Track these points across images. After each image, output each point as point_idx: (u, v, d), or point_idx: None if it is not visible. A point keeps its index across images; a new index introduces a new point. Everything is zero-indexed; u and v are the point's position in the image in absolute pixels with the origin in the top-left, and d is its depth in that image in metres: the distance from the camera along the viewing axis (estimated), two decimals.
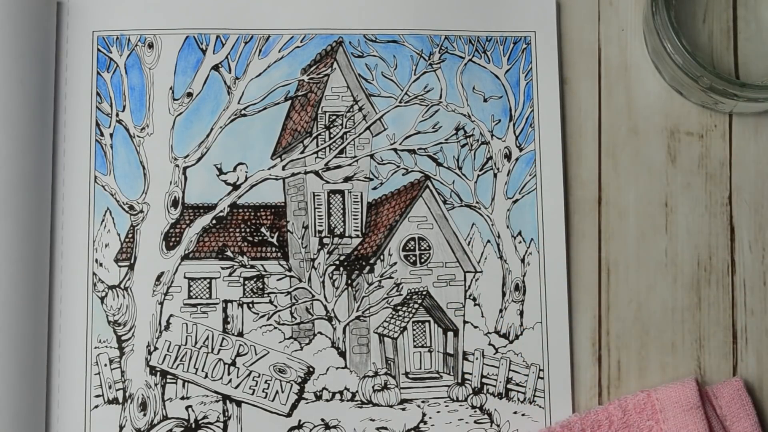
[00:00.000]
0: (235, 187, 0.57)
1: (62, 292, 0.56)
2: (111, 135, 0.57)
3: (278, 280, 0.57)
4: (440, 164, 0.59)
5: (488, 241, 0.58)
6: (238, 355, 0.56)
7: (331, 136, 0.58)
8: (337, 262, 0.58)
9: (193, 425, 0.55)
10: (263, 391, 0.56)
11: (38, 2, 0.56)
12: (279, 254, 0.57)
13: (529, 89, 0.59)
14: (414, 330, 0.57)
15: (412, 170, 0.59)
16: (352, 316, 0.57)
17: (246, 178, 0.57)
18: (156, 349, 0.56)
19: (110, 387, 0.55)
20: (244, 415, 0.55)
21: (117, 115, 0.58)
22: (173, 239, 0.57)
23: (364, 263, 0.58)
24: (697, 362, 0.58)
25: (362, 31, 0.59)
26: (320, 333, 0.57)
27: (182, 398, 0.55)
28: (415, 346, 0.57)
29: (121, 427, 0.55)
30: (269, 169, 0.58)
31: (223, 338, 0.56)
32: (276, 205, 0.58)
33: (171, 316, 0.56)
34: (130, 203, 0.57)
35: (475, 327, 0.57)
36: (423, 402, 0.57)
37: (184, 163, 0.57)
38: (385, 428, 0.56)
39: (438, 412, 0.56)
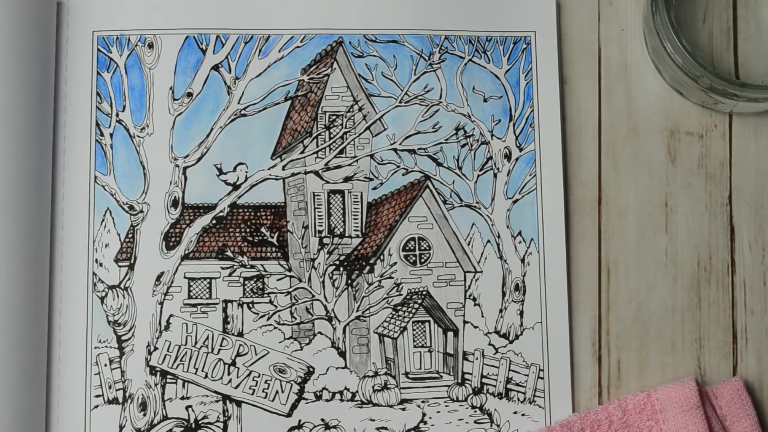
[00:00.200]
0: (235, 187, 0.57)
1: (62, 292, 0.56)
2: (111, 135, 0.57)
3: (278, 280, 0.57)
4: (440, 164, 0.59)
5: (488, 241, 0.58)
6: (238, 355, 0.56)
7: (331, 136, 0.58)
8: (337, 262, 0.58)
9: (193, 425, 0.55)
10: (263, 391, 0.56)
11: (38, 2, 0.56)
12: (279, 254, 0.57)
13: (529, 89, 0.59)
14: (414, 330, 0.57)
15: (412, 170, 0.59)
16: (352, 316, 0.57)
17: (246, 178, 0.57)
18: (156, 349, 0.56)
19: (110, 387, 0.55)
20: (244, 415, 0.55)
21: (117, 115, 0.58)
22: (173, 239, 0.57)
23: (364, 263, 0.58)
24: (697, 362, 0.58)
25: (362, 31, 0.59)
26: (320, 333, 0.57)
27: (182, 398, 0.55)
28: (415, 346, 0.57)
29: (121, 427, 0.55)
30: (269, 169, 0.58)
31: (223, 338, 0.56)
32: (276, 205, 0.58)
33: (171, 316, 0.56)
34: (130, 203, 0.57)
35: (475, 327, 0.57)
36: (423, 402, 0.57)
37: (184, 163, 0.57)
38: (385, 428, 0.56)
39: (438, 412, 0.56)
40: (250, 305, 0.57)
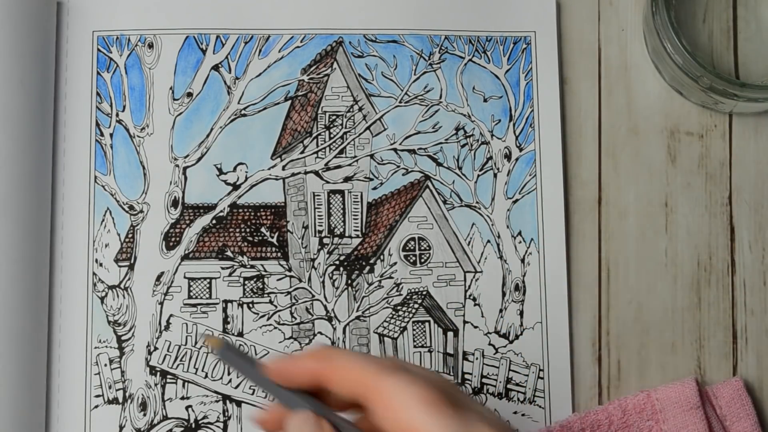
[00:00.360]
0: (235, 187, 0.57)
1: (62, 292, 0.56)
2: (111, 135, 0.57)
3: (278, 280, 0.57)
4: (440, 164, 0.59)
5: (488, 241, 0.58)
6: None
7: (331, 136, 0.58)
8: (337, 262, 0.58)
9: (193, 425, 0.55)
10: (263, 391, 0.56)
11: (38, 2, 0.56)
12: (279, 254, 0.57)
13: (529, 89, 0.59)
14: (414, 330, 0.57)
15: (412, 170, 0.59)
16: (352, 316, 0.57)
17: (246, 178, 0.57)
18: (156, 349, 0.56)
19: (110, 387, 0.55)
20: (244, 415, 0.55)
21: (117, 115, 0.58)
22: (173, 239, 0.57)
23: (364, 263, 0.58)
24: (697, 362, 0.58)
25: (362, 31, 0.59)
26: (320, 333, 0.57)
27: (182, 398, 0.55)
28: (415, 346, 0.57)
29: (121, 427, 0.55)
30: (269, 169, 0.58)
31: (224, 338, 0.56)
32: (276, 205, 0.57)
33: (171, 316, 0.56)
34: (130, 203, 0.57)
35: (475, 327, 0.57)
36: None
37: (184, 163, 0.57)
38: None
39: None
40: (250, 305, 0.57)
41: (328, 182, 0.58)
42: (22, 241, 0.54)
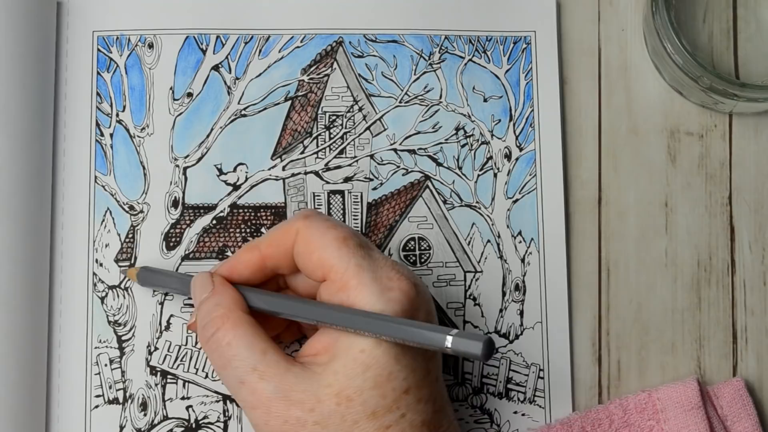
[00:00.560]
0: (236, 187, 0.57)
1: (62, 292, 0.56)
2: (111, 135, 0.57)
3: None
4: (440, 164, 0.59)
5: (488, 241, 0.58)
6: None
7: (331, 136, 0.58)
8: None
9: (194, 425, 0.55)
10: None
11: (38, 2, 0.56)
12: None
13: (529, 89, 0.59)
14: None
15: (412, 170, 0.59)
16: None
17: (246, 179, 0.57)
18: (156, 349, 0.56)
19: (110, 387, 0.55)
20: (245, 415, 0.55)
21: (117, 115, 0.58)
22: (173, 239, 0.57)
23: None
24: (697, 362, 0.58)
25: (362, 31, 0.59)
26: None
27: (183, 398, 0.56)
28: None
29: (122, 427, 0.55)
30: (269, 169, 0.58)
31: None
32: (276, 206, 0.57)
33: (171, 316, 0.56)
34: (130, 203, 0.57)
35: (475, 327, 0.57)
36: None
37: (184, 164, 0.57)
38: None
39: None
40: None
41: (328, 182, 0.58)
42: (22, 241, 0.54)
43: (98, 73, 0.58)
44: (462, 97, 0.59)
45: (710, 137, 0.60)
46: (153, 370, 0.56)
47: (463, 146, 0.59)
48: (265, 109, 0.58)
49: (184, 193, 0.57)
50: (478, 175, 0.59)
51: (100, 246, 0.56)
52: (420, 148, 0.59)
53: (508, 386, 0.57)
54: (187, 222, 0.57)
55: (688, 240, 0.59)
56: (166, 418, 0.55)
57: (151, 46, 0.58)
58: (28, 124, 0.55)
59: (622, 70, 0.60)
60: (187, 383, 0.56)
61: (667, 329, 0.58)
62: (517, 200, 0.58)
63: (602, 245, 0.59)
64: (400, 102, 0.59)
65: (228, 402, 0.56)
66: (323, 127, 0.58)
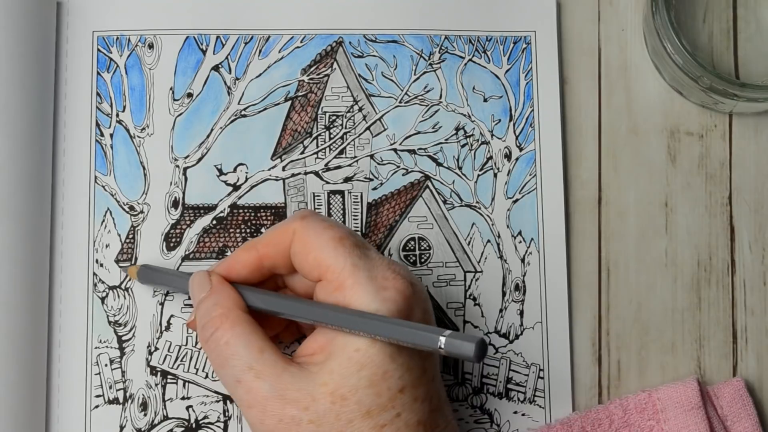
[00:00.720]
0: (236, 187, 0.57)
1: (62, 292, 0.56)
2: (111, 135, 0.57)
3: None
4: (440, 164, 0.59)
5: (488, 241, 0.58)
6: None
7: (331, 136, 0.58)
8: None
9: (194, 425, 0.55)
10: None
11: (38, 2, 0.56)
12: None
13: (529, 89, 0.59)
14: None
15: (412, 170, 0.59)
16: None
17: (246, 179, 0.57)
18: (156, 349, 0.56)
19: (111, 387, 0.55)
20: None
21: (117, 115, 0.58)
22: (173, 240, 0.57)
23: None
24: (697, 362, 0.58)
25: (362, 31, 0.59)
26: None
27: (183, 398, 0.56)
28: None
29: (122, 428, 0.55)
30: (269, 169, 0.58)
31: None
32: (276, 206, 0.57)
33: (172, 316, 0.56)
34: (130, 203, 0.57)
35: (475, 327, 0.57)
36: None
37: (184, 164, 0.57)
38: None
39: None
40: None
41: (328, 183, 0.58)
42: (22, 241, 0.54)
43: (98, 73, 0.58)
44: (462, 97, 0.59)
45: (710, 137, 0.60)
46: (153, 370, 0.56)
47: (463, 146, 0.59)
48: (265, 109, 0.58)
49: (184, 193, 0.57)
50: (478, 175, 0.59)
51: (101, 246, 0.56)
52: (420, 148, 0.59)
53: (508, 386, 0.57)
54: (187, 222, 0.57)
55: (688, 240, 0.59)
56: (166, 418, 0.55)
57: (151, 46, 0.58)
58: (28, 124, 0.55)
59: (622, 70, 0.60)
60: (187, 383, 0.56)
61: (667, 329, 0.58)
62: (517, 200, 0.58)
63: (602, 245, 0.59)
64: (400, 102, 0.59)
65: (228, 402, 0.56)
66: (323, 127, 0.58)
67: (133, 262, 0.56)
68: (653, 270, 0.59)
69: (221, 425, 0.55)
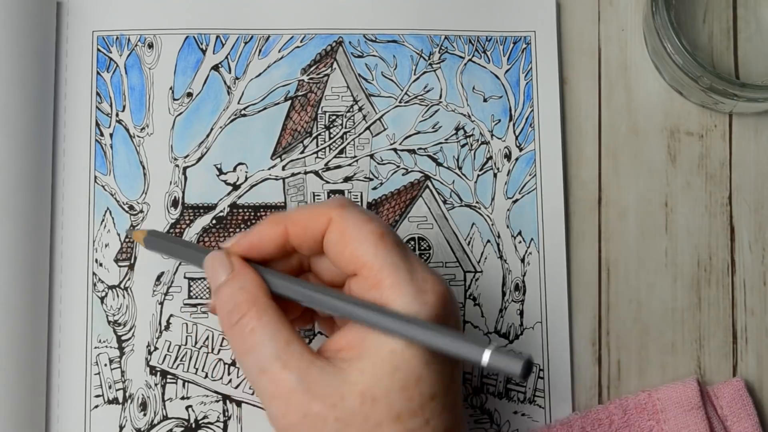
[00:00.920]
0: (235, 187, 0.57)
1: (62, 292, 0.56)
2: (111, 135, 0.57)
3: None
4: (440, 164, 0.59)
5: (488, 241, 0.58)
6: None
7: (331, 136, 0.58)
8: None
9: (194, 425, 0.55)
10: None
11: (38, 2, 0.56)
12: None
13: (529, 89, 0.59)
14: None
15: (412, 170, 0.59)
16: None
17: (246, 178, 0.57)
18: (156, 349, 0.56)
19: (110, 387, 0.55)
20: (244, 415, 0.56)
21: (117, 115, 0.58)
22: None
23: None
24: (697, 362, 0.58)
25: (362, 31, 0.59)
26: (320, 333, 0.57)
27: (182, 398, 0.55)
28: None
29: (121, 427, 0.55)
30: (269, 169, 0.58)
31: (223, 338, 0.56)
32: (276, 206, 0.57)
33: (171, 316, 0.56)
34: (130, 203, 0.57)
35: (475, 327, 0.57)
36: None
37: (184, 163, 0.57)
38: None
39: None
40: None
41: (328, 182, 0.58)
42: (22, 241, 0.54)
43: (98, 73, 0.58)
44: (462, 97, 0.59)
45: (710, 137, 0.60)
46: (153, 370, 0.56)
47: (463, 146, 0.59)
48: (264, 108, 0.58)
49: (183, 192, 0.57)
50: (478, 175, 0.59)
51: (100, 246, 0.56)
52: (420, 148, 0.59)
53: (508, 386, 0.57)
54: (187, 222, 0.57)
55: (688, 240, 0.59)
56: (165, 418, 0.55)
57: (151, 46, 0.58)
58: (28, 124, 0.55)
59: (622, 70, 0.60)
60: (186, 383, 0.56)
61: (667, 329, 0.58)
62: (517, 200, 0.58)
63: (602, 245, 0.59)
64: (400, 102, 0.59)
65: (228, 402, 0.56)
66: (323, 126, 0.58)
67: (132, 262, 0.56)
68: (653, 270, 0.59)
69: (221, 425, 0.55)
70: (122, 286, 0.56)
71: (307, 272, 0.50)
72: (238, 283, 0.46)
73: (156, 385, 0.55)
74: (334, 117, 0.59)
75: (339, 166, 0.58)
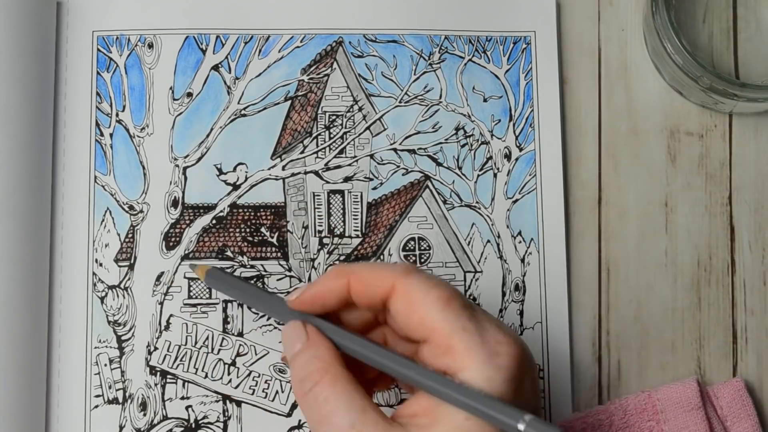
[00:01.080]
0: (235, 187, 0.57)
1: (62, 292, 0.56)
2: (111, 135, 0.57)
3: (278, 280, 0.57)
4: (440, 164, 0.59)
5: (488, 241, 0.58)
6: (238, 355, 0.56)
7: (331, 136, 0.58)
8: (338, 262, 0.57)
9: (193, 425, 0.55)
10: (263, 391, 0.56)
11: (38, 2, 0.56)
12: (279, 254, 0.57)
13: (529, 89, 0.59)
14: None
15: (412, 170, 0.59)
16: None
17: (246, 178, 0.57)
18: (156, 349, 0.56)
19: (110, 387, 0.55)
20: (244, 415, 0.56)
21: (117, 115, 0.58)
22: (173, 239, 0.57)
23: None
24: (697, 362, 0.58)
25: (362, 31, 0.59)
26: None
27: (182, 398, 0.55)
28: None
29: (121, 427, 0.55)
30: (269, 169, 0.58)
31: (223, 338, 0.56)
32: (276, 205, 0.58)
33: (171, 316, 0.56)
34: (130, 203, 0.57)
35: None
36: None
37: (184, 163, 0.57)
38: None
39: None
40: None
41: (328, 182, 0.58)
42: (22, 241, 0.54)
43: (98, 73, 0.58)
44: (462, 97, 0.59)
45: (710, 137, 0.60)
46: (153, 370, 0.56)
47: (463, 146, 0.59)
48: (264, 108, 0.58)
49: (183, 192, 0.57)
50: (478, 175, 0.59)
51: (100, 246, 0.56)
52: (420, 148, 0.59)
53: None
54: (187, 222, 0.57)
55: (688, 240, 0.59)
56: (165, 418, 0.55)
57: (150, 46, 0.58)
58: (28, 124, 0.55)
59: (622, 70, 0.60)
60: (186, 383, 0.56)
61: (667, 329, 0.58)
62: (517, 200, 0.58)
63: (602, 245, 0.59)
64: (400, 102, 0.59)
65: (228, 402, 0.56)
66: (323, 126, 0.58)
67: (132, 262, 0.56)
68: (653, 270, 0.59)
69: (221, 425, 0.55)
70: (122, 286, 0.56)
71: (383, 325, 0.49)
72: (312, 351, 0.46)
73: (156, 385, 0.55)
74: (334, 117, 0.59)
75: (339, 166, 0.58)
